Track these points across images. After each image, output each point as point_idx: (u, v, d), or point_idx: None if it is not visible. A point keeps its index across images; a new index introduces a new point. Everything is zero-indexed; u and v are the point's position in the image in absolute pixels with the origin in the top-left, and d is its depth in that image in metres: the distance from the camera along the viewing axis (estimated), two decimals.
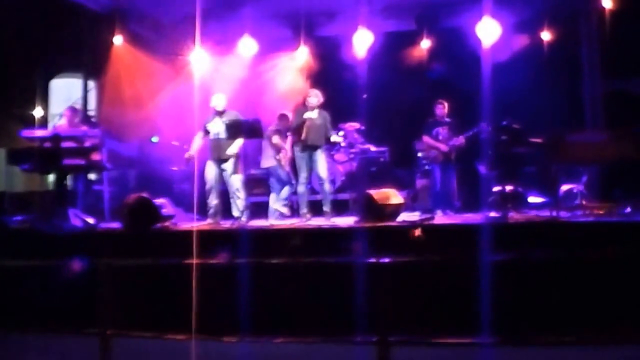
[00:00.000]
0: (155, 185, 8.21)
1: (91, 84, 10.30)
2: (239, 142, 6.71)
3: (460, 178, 7.94)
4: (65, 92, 10.77)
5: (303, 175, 6.75)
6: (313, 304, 4.94)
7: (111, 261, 4.95)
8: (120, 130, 8.52)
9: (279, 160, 7.21)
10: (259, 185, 8.62)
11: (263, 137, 6.92)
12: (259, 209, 8.13)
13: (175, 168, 8.91)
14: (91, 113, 10.31)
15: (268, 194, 7.93)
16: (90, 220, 6.47)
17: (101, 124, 8.65)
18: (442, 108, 7.64)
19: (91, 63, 9.48)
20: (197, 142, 6.85)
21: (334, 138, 6.95)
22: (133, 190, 7.72)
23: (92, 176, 8.36)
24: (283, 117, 7.98)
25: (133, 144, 9.01)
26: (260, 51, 9.25)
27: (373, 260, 4.56)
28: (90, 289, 4.74)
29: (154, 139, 8.82)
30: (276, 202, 7.06)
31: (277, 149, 7.19)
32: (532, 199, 7.38)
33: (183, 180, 8.89)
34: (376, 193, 6.06)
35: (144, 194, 6.25)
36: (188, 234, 5.65)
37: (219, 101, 6.85)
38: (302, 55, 9.42)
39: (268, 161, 7.35)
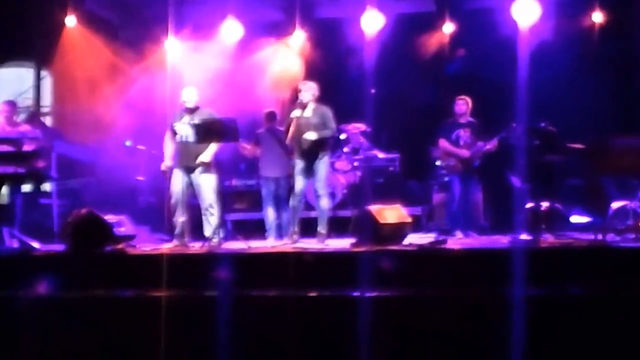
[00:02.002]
0: (116, 198, 8.20)
1: (45, 74, 10.27)
2: (212, 147, 6.62)
3: (488, 191, 7.85)
4: (16, 84, 10.71)
5: (297, 187, 6.71)
6: (298, 347, 4.86)
7: (48, 292, 4.83)
8: (75, 131, 8.45)
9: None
10: (240, 199, 8.53)
11: (239, 140, 6.82)
12: (240, 228, 8.06)
13: (141, 178, 8.90)
14: (46, 110, 10.28)
15: (251, 210, 7.84)
16: (35, 244, 6.39)
17: (52, 123, 8.58)
18: (464, 105, 7.53)
19: (43, 50, 9.40)
20: (169, 146, 6.82)
21: (322, 134, 6.71)
22: (89, 204, 7.55)
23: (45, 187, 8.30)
24: (270, 115, 7.86)
25: (90, 148, 9.00)
26: (246, 36, 9.24)
27: (371, 294, 4.53)
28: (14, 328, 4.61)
29: (127, 143, 8.83)
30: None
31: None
32: (575, 219, 7.28)
33: (151, 192, 8.87)
34: (376, 210, 5.99)
35: (94, 210, 6.13)
36: (145, 258, 5.70)
37: (189, 96, 6.76)
38: (297, 42, 9.50)
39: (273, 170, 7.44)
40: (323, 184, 6.73)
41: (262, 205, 7.69)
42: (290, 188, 7.15)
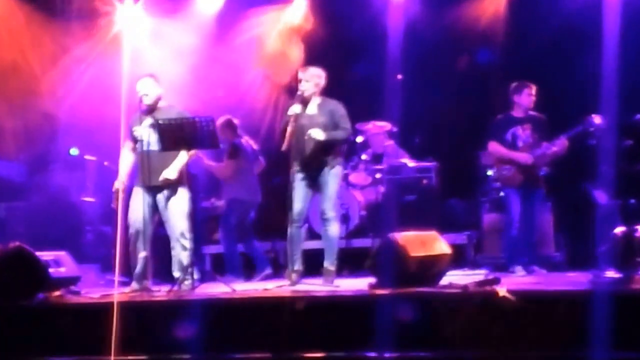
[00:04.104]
0: (55, 229, 8.27)
1: None
2: (182, 158, 6.64)
3: (559, 211, 7.85)
4: None
5: (297, 208, 6.73)
6: None
7: None
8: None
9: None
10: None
11: (219, 146, 6.85)
12: (221, 265, 8.12)
13: (89, 199, 8.95)
14: None
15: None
16: None
17: None
18: (528, 95, 7.51)
19: None
20: (127, 158, 6.87)
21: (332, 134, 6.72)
22: (17, 237, 7.57)
23: None
24: (227, 126, 7.97)
25: (19, 162, 9.14)
26: (227, 6, 9.34)
27: (394, 354, 4.58)
28: None
29: (73, 152, 8.94)
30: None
31: None
32: None
33: (102, 219, 8.91)
34: (404, 238, 5.96)
35: (23, 244, 6.14)
36: (92, 310, 5.68)
37: (146, 88, 6.78)
38: (296, 13, 9.57)
39: None
40: (332, 204, 6.72)
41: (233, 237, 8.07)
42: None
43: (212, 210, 8.79)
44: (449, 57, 9.22)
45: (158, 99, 6.78)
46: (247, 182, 8.07)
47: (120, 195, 6.68)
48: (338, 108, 6.79)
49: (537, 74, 7.93)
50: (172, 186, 6.67)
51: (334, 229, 6.73)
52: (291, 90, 7.47)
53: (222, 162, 8.11)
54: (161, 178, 6.62)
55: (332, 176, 6.73)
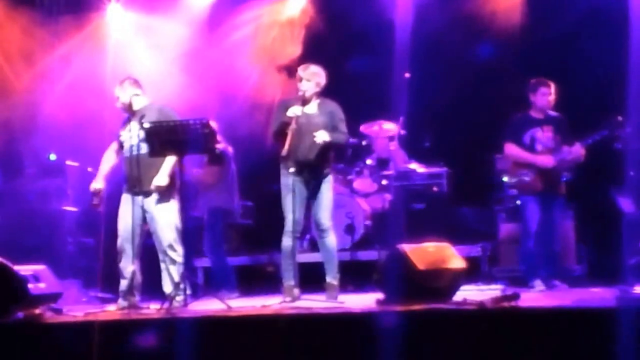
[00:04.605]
0: (33, 240, 8.28)
1: None
2: (170, 162, 6.67)
3: (582, 221, 7.86)
4: None
5: (290, 218, 6.75)
6: None
7: None
8: None
9: None
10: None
11: (214, 151, 6.83)
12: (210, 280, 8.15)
13: (70, 208, 8.93)
14: None
15: (233, 253, 7.87)
16: None
17: None
18: (546, 93, 7.51)
19: None
20: (109, 161, 6.94)
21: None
22: None
23: None
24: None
25: None
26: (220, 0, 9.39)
27: None
28: None
29: (52, 157, 8.99)
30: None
31: None
32: None
33: (86, 230, 8.92)
34: (414, 250, 5.97)
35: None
36: (75, 329, 5.66)
37: (117, 91, 6.87)
38: (295, 6, 9.64)
39: None
40: (329, 213, 6.80)
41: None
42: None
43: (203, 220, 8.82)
44: (461, 50, 9.20)
45: (131, 102, 6.82)
46: (229, 189, 8.14)
47: (98, 196, 6.75)
48: (338, 111, 6.87)
49: (558, 69, 8.01)
50: (161, 194, 6.69)
51: (333, 240, 6.80)
52: (286, 89, 7.44)
53: (202, 168, 8.12)
54: (152, 186, 6.63)
55: (328, 183, 6.82)
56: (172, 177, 6.71)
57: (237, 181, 8.31)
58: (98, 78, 8.67)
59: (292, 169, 6.71)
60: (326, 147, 6.72)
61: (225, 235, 8.19)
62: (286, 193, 6.77)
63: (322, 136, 6.61)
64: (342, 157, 8.77)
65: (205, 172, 8.08)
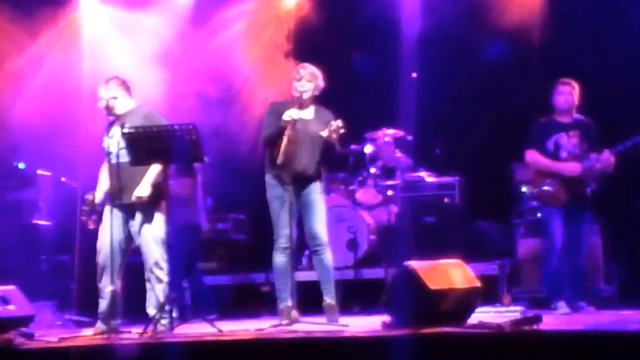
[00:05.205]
0: (5, 258, 8.24)
1: None
2: (154, 171, 6.67)
3: (611, 236, 7.87)
4: None
5: (283, 233, 6.79)
6: None
7: None
8: None
9: None
10: (206, 254, 8.69)
11: (202, 159, 6.85)
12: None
13: (43, 222, 8.94)
14: None
15: (224, 272, 7.88)
16: None
17: None
18: (568, 94, 7.52)
19: None
20: (105, 173, 6.96)
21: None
22: None
23: None
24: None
25: None
26: None
27: None
28: None
29: (20, 166, 9.01)
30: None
31: None
32: None
33: (60, 246, 8.94)
34: (424, 268, 5.96)
35: None
36: (49, 356, 5.74)
37: (99, 92, 6.87)
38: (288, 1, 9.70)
39: None
40: (325, 226, 6.81)
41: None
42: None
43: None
44: (475, 49, 9.26)
45: (114, 104, 6.81)
46: (197, 204, 8.18)
47: (87, 208, 6.79)
48: (332, 118, 6.84)
49: (585, 69, 7.95)
50: (146, 206, 6.70)
51: (330, 256, 6.80)
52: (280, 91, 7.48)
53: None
54: (133, 197, 6.62)
55: (320, 194, 6.86)
56: (157, 187, 6.66)
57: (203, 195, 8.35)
58: (73, 78, 8.65)
59: (283, 179, 6.71)
60: (325, 154, 6.74)
61: (198, 252, 8.18)
62: (279, 205, 6.79)
63: (326, 134, 6.60)
64: (343, 165, 8.77)
65: (187, 184, 8.04)
